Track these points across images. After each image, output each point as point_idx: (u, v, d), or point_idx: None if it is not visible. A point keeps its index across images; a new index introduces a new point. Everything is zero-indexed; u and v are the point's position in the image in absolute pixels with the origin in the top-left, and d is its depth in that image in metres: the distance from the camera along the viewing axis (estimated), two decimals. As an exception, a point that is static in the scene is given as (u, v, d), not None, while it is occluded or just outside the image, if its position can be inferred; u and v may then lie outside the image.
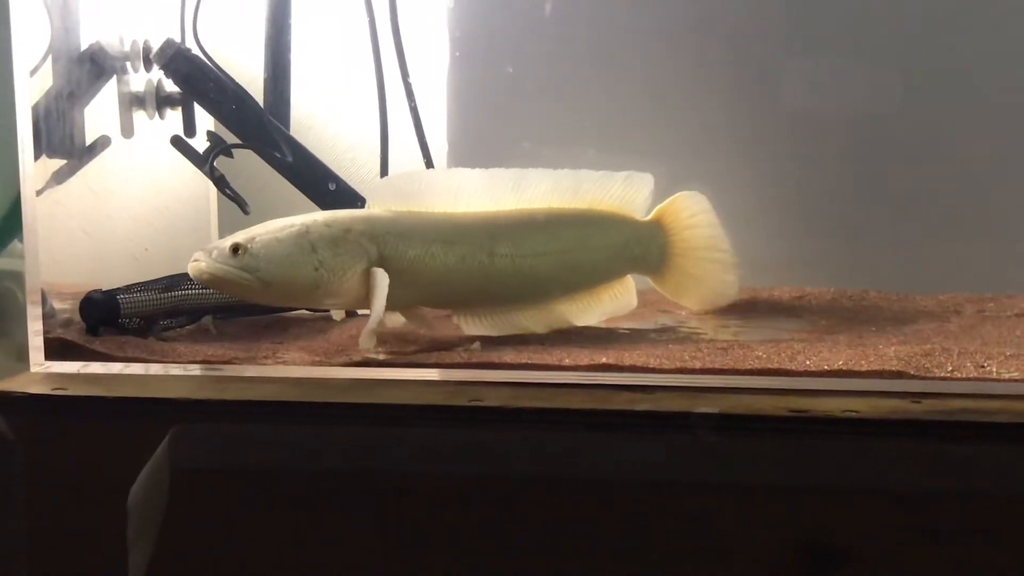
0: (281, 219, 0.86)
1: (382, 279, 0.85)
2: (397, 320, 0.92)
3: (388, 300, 0.85)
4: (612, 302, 0.98)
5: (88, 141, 1.00)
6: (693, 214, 0.99)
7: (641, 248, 0.99)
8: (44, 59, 0.94)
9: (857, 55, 1.12)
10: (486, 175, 0.94)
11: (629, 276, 0.99)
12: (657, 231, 0.99)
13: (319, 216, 0.87)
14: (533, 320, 0.92)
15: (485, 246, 0.90)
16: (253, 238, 0.83)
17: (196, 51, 1.03)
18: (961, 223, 1.13)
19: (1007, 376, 0.76)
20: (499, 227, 0.92)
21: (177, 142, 1.03)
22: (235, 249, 0.82)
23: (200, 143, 1.04)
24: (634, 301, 0.99)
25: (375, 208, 0.90)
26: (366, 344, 0.84)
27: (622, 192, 0.97)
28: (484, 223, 0.92)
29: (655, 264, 1.00)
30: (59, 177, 0.97)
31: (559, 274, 0.94)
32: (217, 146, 1.02)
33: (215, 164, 1.01)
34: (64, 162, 0.97)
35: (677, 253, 1.00)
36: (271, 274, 0.82)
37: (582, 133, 1.06)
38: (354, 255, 0.85)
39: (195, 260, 0.82)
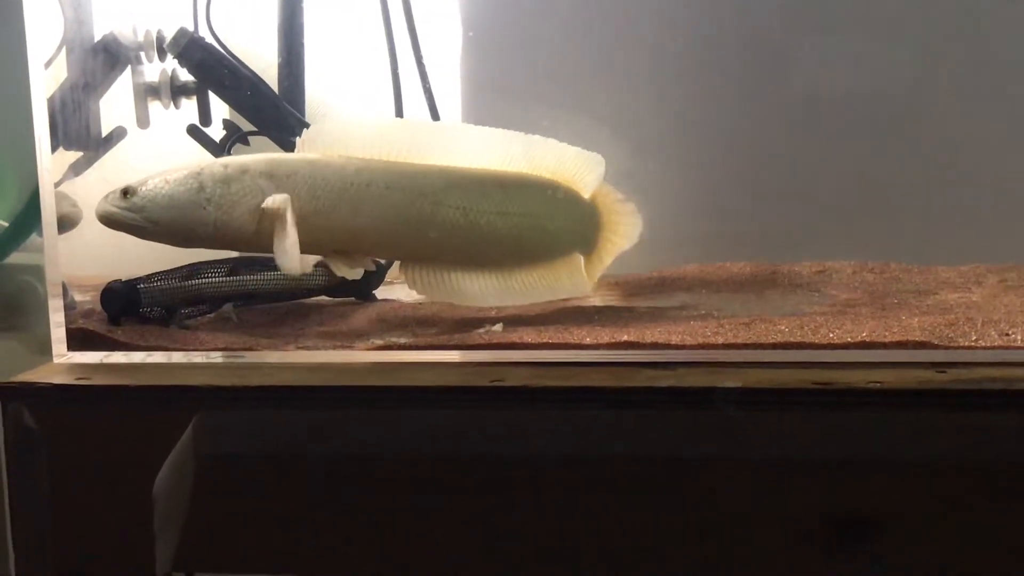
0: (187, 161, 0.88)
1: (283, 203, 0.84)
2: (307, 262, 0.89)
3: (309, 245, 0.85)
4: (569, 280, 0.95)
5: (104, 132, 1.00)
6: (619, 204, 0.96)
7: (587, 228, 0.96)
8: (58, 51, 0.94)
9: (870, 32, 1.11)
10: (430, 127, 0.94)
11: (579, 256, 0.96)
12: (595, 214, 0.96)
13: (221, 159, 0.88)
14: (488, 287, 0.91)
15: (429, 195, 0.88)
16: (145, 181, 0.85)
17: (209, 39, 1.03)
18: (980, 194, 1.13)
19: (1032, 344, 0.75)
20: (452, 178, 0.89)
21: (193, 131, 1.03)
22: (125, 192, 0.85)
23: (215, 131, 1.04)
24: (588, 285, 0.96)
25: (305, 152, 0.88)
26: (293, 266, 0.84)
27: (575, 167, 0.94)
28: (432, 172, 0.89)
29: (590, 247, 0.97)
30: (76, 169, 0.98)
31: (521, 238, 0.91)
32: (233, 134, 1.02)
33: (232, 152, 1.01)
34: (81, 154, 0.98)
35: (603, 239, 0.97)
36: (157, 214, 0.85)
37: (598, 113, 1.05)
38: (247, 193, 0.85)
39: (97, 204, 0.86)
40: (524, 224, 0.91)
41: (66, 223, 0.94)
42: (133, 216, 0.85)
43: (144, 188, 0.85)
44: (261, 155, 0.89)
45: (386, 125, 0.92)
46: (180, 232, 0.87)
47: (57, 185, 0.89)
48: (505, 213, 0.90)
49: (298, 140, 0.89)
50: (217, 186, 0.85)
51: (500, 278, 0.91)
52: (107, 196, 0.86)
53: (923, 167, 1.14)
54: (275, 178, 0.85)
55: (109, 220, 0.86)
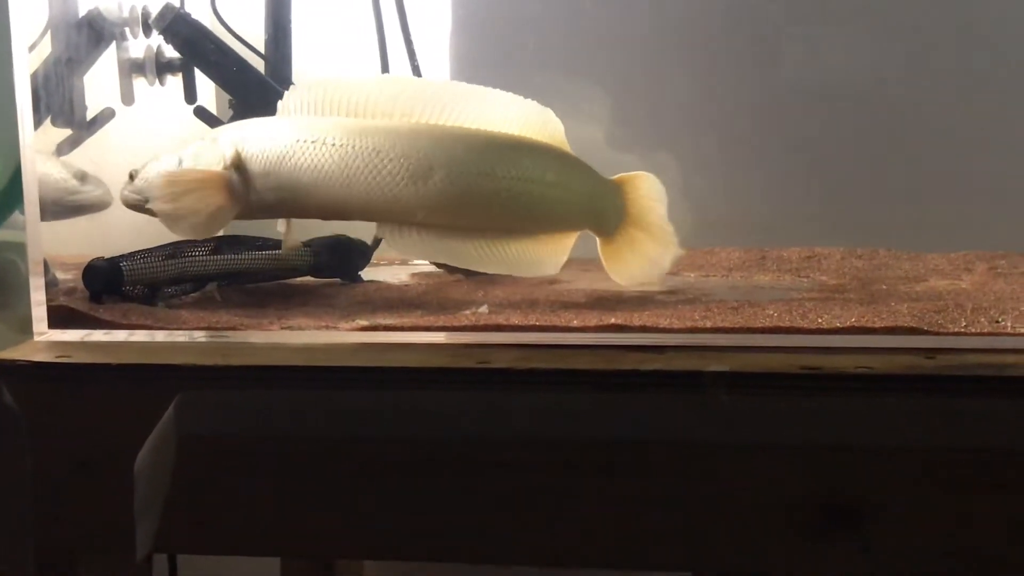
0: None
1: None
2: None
3: (269, 208, 0.86)
4: (557, 255, 0.90)
5: (91, 111, 0.99)
6: (652, 193, 0.91)
7: (602, 205, 0.90)
8: (43, 33, 0.93)
9: (861, 19, 1.11)
10: (428, 85, 0.91)
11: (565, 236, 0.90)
12: (618, 193, 0.90)
13: (209, 131, 0.89)
14: (476, 251, 0.87)
15: (401, 154, 0.84)
16: (145, 164, 0.88)
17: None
18: (971, 180, 1.12)
19: (1022, 330, 0.75)
20: (433, 137, 0.86)
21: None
22: (130, 176, 0.88)
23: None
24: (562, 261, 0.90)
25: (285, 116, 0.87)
26: None
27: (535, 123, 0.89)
28: (406, 130, 0.86)
29: (610, 227, 0.91)
30: (62, 149, 0.97)
31: (508, 203, 0.87)
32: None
33: None
34: (68, 133, 0.97)
35: (630, 223, 0.91)
36: (151, 193, 0.87)
37: (588, 94, 1.05)
38: (211, 161, 0.85)
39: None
40: (516, 188, 0.87)
41: (98, 206, 0.99)
42: (138, 198, 0.88)
43: (143, 170, 0.88)
44: (239, 122, 0.89)
45: (367, 83, 0.88)
46: None
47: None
48: (487, 175, 0.86)
49: (279, 103, 0.87)
50: (191, 160, 0.86)
51: (504, 243, 0.88)
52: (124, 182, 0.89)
53: (913, 154, 1.13)
54: (235, 142, 0.85)
55: (124, 203, 0.89)
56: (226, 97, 1.04)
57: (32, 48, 0.88)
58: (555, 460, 0.71)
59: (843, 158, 1.15)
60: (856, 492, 0.68)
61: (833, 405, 0.69)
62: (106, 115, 1.00)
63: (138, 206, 0.88)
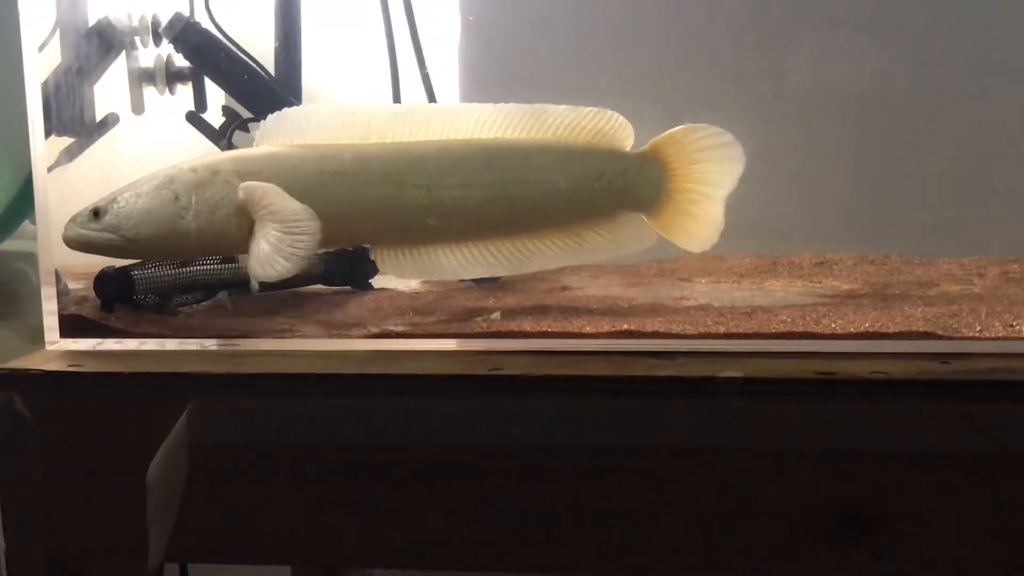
0: (153, 171, 0.85)
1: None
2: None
3: None
4: (604, 240, 0.88)
5: (97, 118, 0.99)
6: (700, 148, 0.88)
7: (625, 182, 0.88)
8: (51, 34, 0.93)
9: (875, 22, 1.10)
10: (403, 108, 0.90)
11: (633, 214, 0.88)
12: (648, 164, 0.88)
13: (187, 163, 0.85)
14: (471, 260, 0.87)
15: (391, 176, 0.84)
16: (115, 198, 0.83)
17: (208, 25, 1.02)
18: (982, 186, 1.12)
19: (1038, 335, 0.75)
20: (413, 156, 0.86)
21: (192, 118, 1.02)
22: (96, 212, 0.83)
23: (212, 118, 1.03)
24: (648, 240, 0.89)
25: (265, 146, 0.86)
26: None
27: (597, 125, 0.88)
28: (391, 152, 0.86)
29: (647, 200, 0.88)
30: (71, 153, 0.97)
31: (502, 208, 0.87)
32: (234, 121, 1.01)
33: (232, 140, 1.00)
34: (72, 140, 0.97)
35: (676, 189, 0.88)
36: (135, 230, 0.82)
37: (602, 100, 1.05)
38: (223, 197, 0.82)
39: (64, 229, 0.83)
40: (505, 192, 0.86)
41: None
42: (109, 236, 0.83)
43: (116, 206, 0.83)
44: (226, 154, 0.86)
45: (348, 110, 0.88)
46: (161, 246, 0.84)
47: (49, 170, 0.88)
48: (473, 184, 0.86)
49: (255, 133, 0.86)
50: (192, 193, 0.82)
51: (505, 245, 0.87)
52: (75, 219, 0.83)
53: (924, 159, 1.13)
54: (244, 175, 0.83)
55: (82, 243, 0.83)
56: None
57: (41, 48, 0.87)
58: (568, 467, 0.70)
59: (853, 162, 1.14)
60: (870, 497, 0.67)
61: (847, 410, 0.68)
62: (110, 121, 1.00)
63: (108, 245, 0.83)
